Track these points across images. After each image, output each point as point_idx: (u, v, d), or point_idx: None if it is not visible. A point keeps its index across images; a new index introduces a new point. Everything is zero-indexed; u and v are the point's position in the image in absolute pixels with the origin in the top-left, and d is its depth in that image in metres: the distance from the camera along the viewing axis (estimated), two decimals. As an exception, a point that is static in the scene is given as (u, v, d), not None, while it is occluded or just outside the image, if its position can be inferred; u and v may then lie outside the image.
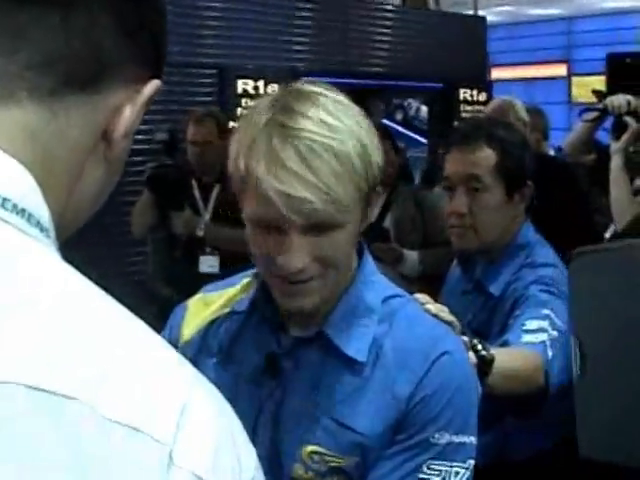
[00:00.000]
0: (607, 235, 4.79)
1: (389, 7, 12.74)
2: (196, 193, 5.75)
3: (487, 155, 2.76)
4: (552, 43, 16.98)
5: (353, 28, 12.53)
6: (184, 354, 1.53)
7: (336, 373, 1.70)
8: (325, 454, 1.70)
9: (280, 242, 1.59)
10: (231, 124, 11.26)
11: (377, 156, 1.65)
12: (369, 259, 1.82)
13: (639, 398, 2.27)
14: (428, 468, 1.65)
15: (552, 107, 15.10)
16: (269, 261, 1.63)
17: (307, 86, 1.68)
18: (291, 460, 1.71)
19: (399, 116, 13.41)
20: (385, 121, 13.28)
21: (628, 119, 4.66)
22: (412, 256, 5.12)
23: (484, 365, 2.26)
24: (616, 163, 4.55)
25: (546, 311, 2.57)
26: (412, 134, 13.65)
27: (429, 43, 12.50)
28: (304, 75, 12.85)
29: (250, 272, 1.85)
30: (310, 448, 1.70)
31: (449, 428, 1.66)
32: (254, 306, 1.77)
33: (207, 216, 5.69)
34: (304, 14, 12.27)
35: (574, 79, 16.57)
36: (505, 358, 2.34)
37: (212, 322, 1.82)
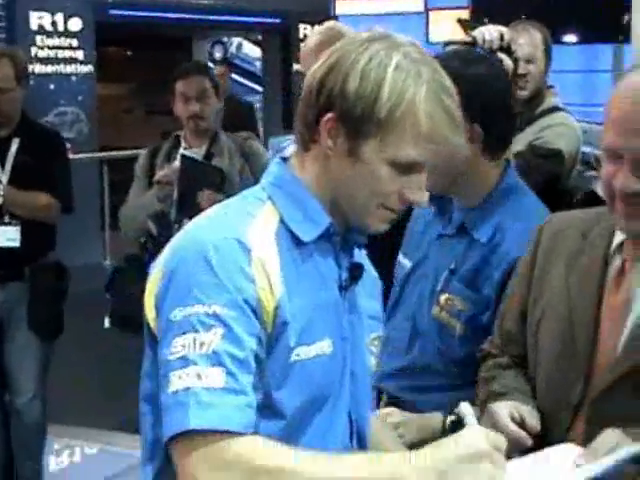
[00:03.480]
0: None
1: None
2: None
3: None
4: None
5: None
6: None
7: None
8: (379, 336, 2.39)
9: (415, 180, 2.13)
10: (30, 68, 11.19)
11: None
12: None
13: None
14: None
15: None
16: (393, 194, 2.12)
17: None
18: (366, 352, 2.31)
19: (217, 54, 13.33)
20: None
21: (502, 56, 4.78)
22: None
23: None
24: None
25: None
26: (238, 78, 13.44)
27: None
28: (112, 8, 12.82)
29: (249, 202, 2.19)
30: (372, 336, 2.34)
31: None
32: (322, 236, 2.17)
33: (4, 178, 5.61)
34: None
35: (432, 14, 16.83)
36: None
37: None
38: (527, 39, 5.15)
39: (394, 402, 3.14)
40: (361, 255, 2.34)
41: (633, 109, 2.32)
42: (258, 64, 13.20)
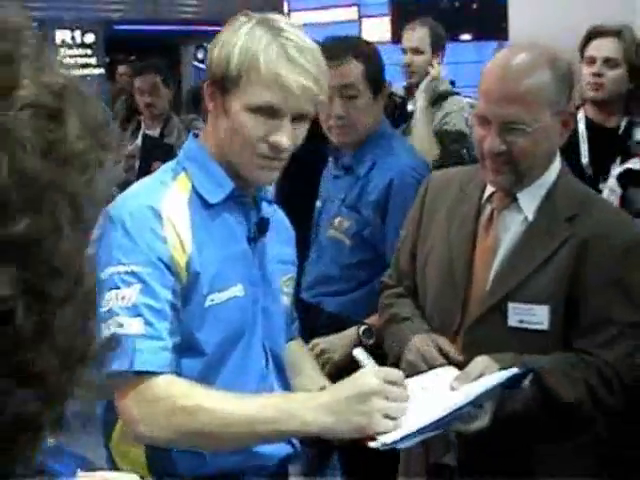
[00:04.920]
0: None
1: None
2: None
3: (356, 65, 3.04)
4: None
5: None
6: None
7: None
8: (291, 277, 2.18)
9: (277, 125, 1.88)
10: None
11: None
12: None
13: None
14: None
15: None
16: (260, 141, 1.89)
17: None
18: (278, 292, 2.09)
19: (200, 55, 13.47)
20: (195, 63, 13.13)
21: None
22: None
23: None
24: (421, 103, 4.47)
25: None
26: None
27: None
28: (117, 24, 12.54)
29: (166, 173, 2.00)
30: (285, 278, 2.13)
31: None
32: (229, 197, 1.97)
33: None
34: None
35: (364, 21, 16.59)
36: None
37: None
38: (414, 35, 4.85)
39: (307, 307, 3.05)
40: (273, 209, 2.14)
41: (498, 83, 2.16)
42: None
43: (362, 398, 1.74)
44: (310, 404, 1.78)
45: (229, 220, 1.98)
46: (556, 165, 2.27)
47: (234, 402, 1.79)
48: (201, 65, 12.76)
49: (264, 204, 2.07)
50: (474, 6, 13.16)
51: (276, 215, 2.17)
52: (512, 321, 2.15)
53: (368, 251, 3.09)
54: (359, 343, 2.87)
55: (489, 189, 2.29)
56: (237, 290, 1.94)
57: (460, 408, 1.87)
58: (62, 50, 11.68)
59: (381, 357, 2.21)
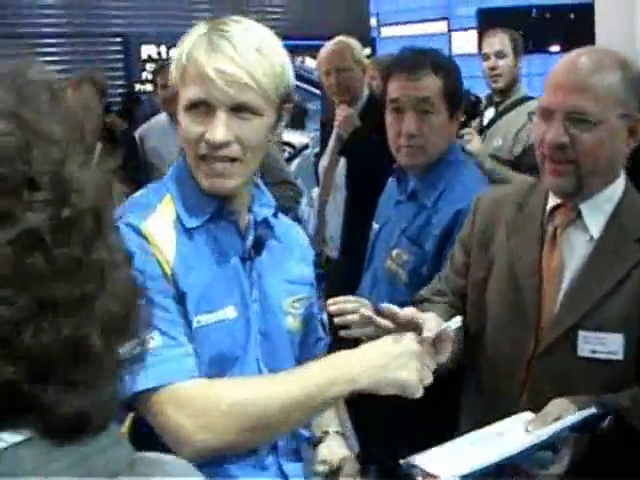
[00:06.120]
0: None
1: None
2: None
3: (434, 81, 2.83)
4: (433, 2, 16.95)
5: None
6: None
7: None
8: (303, 298, 2.01)
9: (210, 120, 1.76)
10: (137, 87, 11.30)
11: (289, 73, 1.83)
12: None
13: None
14: None
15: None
16: (199, 141, 1.78)
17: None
18: (281, 314, 1.95)
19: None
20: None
21: None
22: None
23: None
24: None
25: None
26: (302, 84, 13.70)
27: (318, 5, 12.50)
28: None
29: (153, 193, 1.91)
30: (292, 299, 1.97)
31: None
32: (213, 218, 1.87)
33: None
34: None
35: (453, 34, 16.49)
36: None
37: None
38: (495, 40, 4.92)
39: (356, 342, 2.75)
40: (286, 226, 2.06)
41: (566, 75, 2.06)
42: (316, 73, 13.41)
43: (408, 357, 1.75)
44: (361, 364, 1.75)
45: (220, 239, 1.88)
46: (621, 181, 2.12)
47: (280, 383, 1.74)
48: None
49: (270, 220, 1.96)
50: (570, 16, 13.09)
51: (291, 233, 2.07)
52: (583, 351, 1.99)
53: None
54: None
55: (551, 202, 2.15)
56: (228, 312, 1.84)
57: (528, 449, 1.75)
58: (148, 65, 11.79)
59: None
